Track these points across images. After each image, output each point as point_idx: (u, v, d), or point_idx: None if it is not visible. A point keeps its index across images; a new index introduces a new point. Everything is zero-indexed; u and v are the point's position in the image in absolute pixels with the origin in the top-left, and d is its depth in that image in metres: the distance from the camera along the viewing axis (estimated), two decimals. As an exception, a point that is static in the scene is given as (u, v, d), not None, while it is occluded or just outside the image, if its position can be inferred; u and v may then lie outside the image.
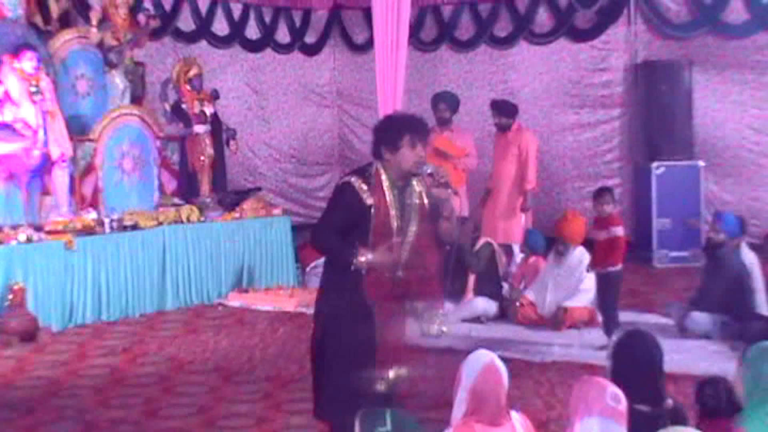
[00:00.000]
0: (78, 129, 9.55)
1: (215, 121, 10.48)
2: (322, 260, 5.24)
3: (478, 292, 8.75)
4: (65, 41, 9.78)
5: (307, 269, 10.32)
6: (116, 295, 8.95)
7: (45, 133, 8.90)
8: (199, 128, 10.25)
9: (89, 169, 9.54)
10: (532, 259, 8.96)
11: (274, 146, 13.27)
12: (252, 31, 12.87)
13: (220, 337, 8.22)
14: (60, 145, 9.01)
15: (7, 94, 8.80)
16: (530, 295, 8.43)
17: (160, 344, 8.02)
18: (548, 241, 8.83)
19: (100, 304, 8.85)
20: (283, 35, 13.23)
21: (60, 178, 9.11)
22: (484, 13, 12.64)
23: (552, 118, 12.34)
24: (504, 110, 9.96)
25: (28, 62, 8.86)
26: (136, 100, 10.25)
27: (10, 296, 8.07)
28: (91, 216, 9.14)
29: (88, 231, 8.91)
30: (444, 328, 4.56)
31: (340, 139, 14.00)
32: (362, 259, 4.42)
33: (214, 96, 10.51)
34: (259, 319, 8.89)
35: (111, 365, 7.40)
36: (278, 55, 13.23)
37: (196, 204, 10.00)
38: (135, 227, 9.24)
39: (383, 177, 4.51)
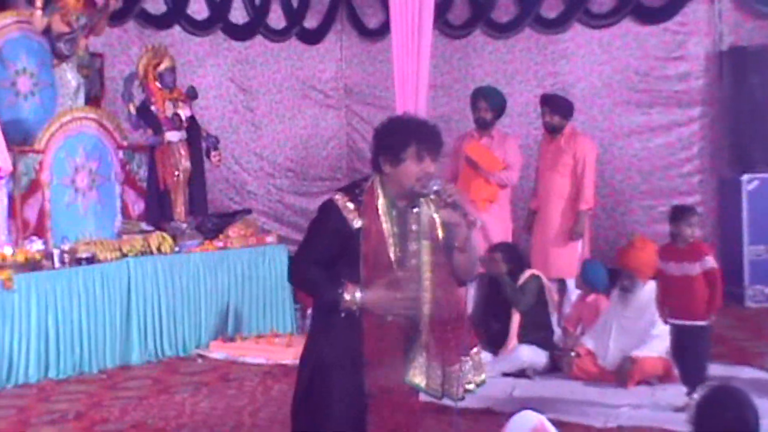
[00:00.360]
0: (19, 137, 9.59)
1: (192, 126, 10.50)
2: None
3: (523, 338, 8.71)
4: (2, 27, 9.84)
5: (309, 311, 10.26)
6: (68, 346, 8.93)
7: (-24, 143, 8.95)
8: (172, 135, 10.25)
9: (33, 187, 9.56)
10: (591, 297, 8.94)
11: (266, 157, 13.29)
12: (238, 14, 12.92)
13: (198, 398, 8.20)
14: (-4, 158, 9.05)
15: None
16: (589, 342, 8.40)
17: (123, 408, 7.98)
18: (611, 274, 8.79)
19: (47, 358, 8.82)
20: (276, 19, 13.27)
21: (-4, 199, 9.16)
22: (528, -11, 12.68)
23: (614, 119, 12.32)
24: (558, 107, 9.94)
25: (-47, 54, 8.95)
26: (93, 100, 10.28)
27: (-65, 348, 8.11)
28: (35, 247, 9.14)
29: (32, 266, 8.89)
30: (470, 386, 4.49)
31: (349, 148, 14.01)
32: (348, 297, 4.36)
33: (191, 95, 10.53)
34: (249, 375, 8.89)
35: (61, 435, 7.36)
36: (271, 44, 13.27)
37: (169, 231, 10.00)
38: (92, 260, 9.24)
39: (379, 194, 4.46)
